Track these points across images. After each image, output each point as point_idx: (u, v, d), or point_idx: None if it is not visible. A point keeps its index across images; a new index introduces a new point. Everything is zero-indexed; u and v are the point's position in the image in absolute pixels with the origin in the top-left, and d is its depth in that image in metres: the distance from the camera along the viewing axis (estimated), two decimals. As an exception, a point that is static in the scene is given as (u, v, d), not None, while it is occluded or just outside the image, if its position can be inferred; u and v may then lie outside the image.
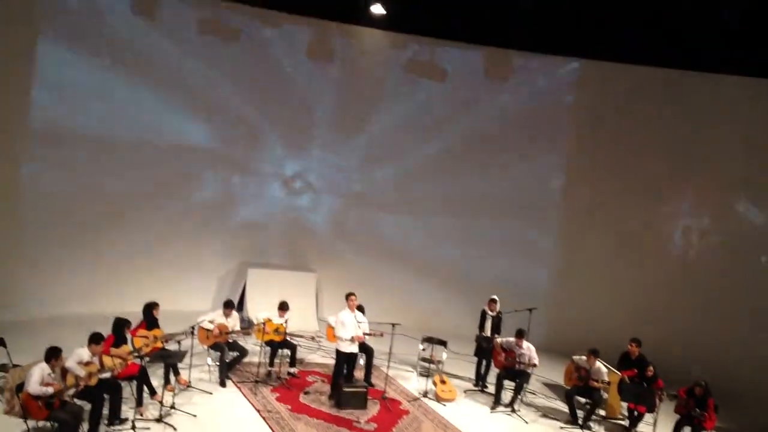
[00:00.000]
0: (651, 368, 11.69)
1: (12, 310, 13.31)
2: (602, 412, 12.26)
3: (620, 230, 16.27)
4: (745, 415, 13.38)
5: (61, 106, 13.91)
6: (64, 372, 8.88)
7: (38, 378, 8.46)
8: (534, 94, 16.53)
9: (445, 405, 11.98)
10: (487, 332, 13.08)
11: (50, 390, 8.48)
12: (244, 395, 11.23)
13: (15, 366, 9.71)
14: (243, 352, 11.97)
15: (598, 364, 11.87)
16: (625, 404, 12.18)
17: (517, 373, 12.14)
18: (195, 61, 15.20)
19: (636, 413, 11.62)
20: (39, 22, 13.55)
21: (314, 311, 15.81)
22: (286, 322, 12.21)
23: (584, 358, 12.00)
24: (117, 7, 14.31)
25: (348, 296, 11.62)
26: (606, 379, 11.79)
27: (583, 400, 12.06)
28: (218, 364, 11.69)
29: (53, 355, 8.72)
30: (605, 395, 12.23)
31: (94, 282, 14.47)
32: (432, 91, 16.50)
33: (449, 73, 16.37)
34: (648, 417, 11.54)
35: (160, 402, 10.01)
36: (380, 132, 16.76)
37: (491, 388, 12.58)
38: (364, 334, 11.65)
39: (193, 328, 11.02)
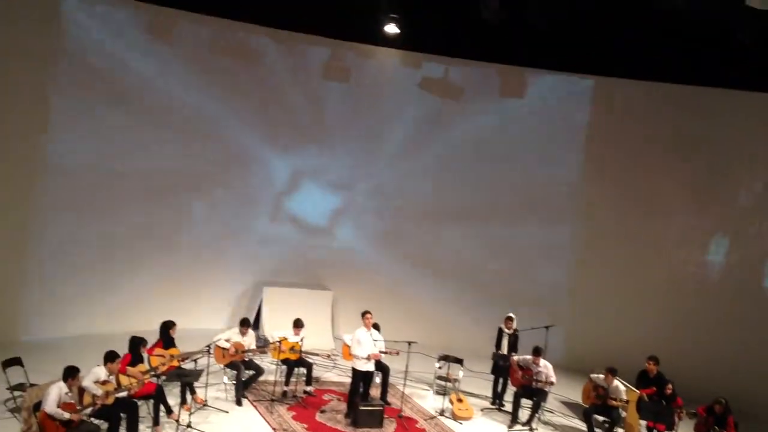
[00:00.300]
0: (670, 386, 11.58)
1: (29, 329, 13.47)
2: (621, 431, 12.13)
3: (637, 248, 16.13)
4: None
5: (77, 138, 14.00)
6: (81, 391, 8.92)
7: (56, 397, 8.50)
8: (548, 112, 16.45)
9: (461, 423, 11.93)
10: (504, 350, 13.02)
11: (66, 416, 8.51)
12: (261, 414, 11.22)
13: (32, 385, 9.75)
14: (259, 370, 11.97)
15: (617, 382, 11.78)
16: (643, 423, 12.05)
17: (534, 392, 12.06)
18: (209, 83, 15.27)
19: (655, 431, 11.50)
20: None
21: (330, 329, 15.79)
22: (301, 340, 12.20)
23: (602, 376, 11.91)
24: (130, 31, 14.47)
25: (364, 314, 11.60)
26: (624, 397, 11.70)
27: (601, 418, 11.96)
28: (234, 382, 11.70)
29: (70, 374, 8.77)
30: (624, 414, 12.11)
31: (111, 302, 14.51)
32: (447, 110, 16.49)
33: (464, 91, 16.36)
34: (667, 435, 11.43)
35: (177, 421, 10.04)
36: (395, 150, 16.78)
37: (508, 407, 12.51)
38: (380, 352, 11.62)
39: (209, 346, 11.04)
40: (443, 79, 16.40)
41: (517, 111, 16.47)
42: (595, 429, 11.73)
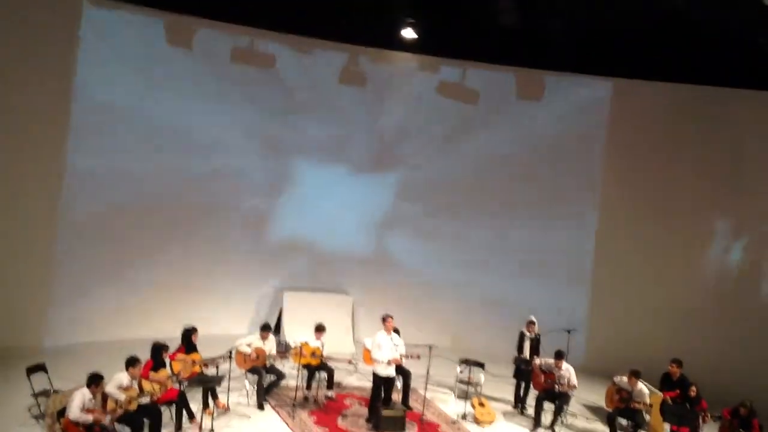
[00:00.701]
0: (694, 388, 11.48)
1: (52, 336, 13.54)
2: (645, 434, 12.07)
3: (659, 251, 16.02)
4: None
5: (100, 149, 14.12)
6: (105, 397, 8.97)
7: (79, 403, 8.55)
8: (567, 114, 16.37)
9: (484, 427, 11.88)
10: (526, 354, 12.96)
11: (90, 418, 8.55)
12: (282, 419, 11.24)
13: (56, 392, 9.82)
14: (280, 375, 11.99)
15: (640, 385, 11.69)
16: (667, 426, 11.91)
17: (556, 395, 12.00)
18: (231, 88, 15.35)
19: (679, 435, 11.41)
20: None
21: (350, 334, 15.80)
22: (322, 345, 12.20)
23: (625, 379, 11.83)
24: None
25: (384, 318, 11.59)
26: (648, 400, 11.61)
27: (624, 422, 11.87)
28: (256, 387, 11.72)
29: (94, 381, 8.83)
30: (647, 417, 12.02)
31: (133, 308, 14.60)
32: (464, 113, 16.46)
33: (481, 94, 16.34)
34: (692, 438, 11.33)
35: (199, 426, 10.05)
36: (413, 155, 16.78)
37: (530, 410, 12.45)
38: (401, 356, 11.59)
39: (230, 352, 11.06)
40: (460, 83, 16.36)
41: (534, 114, 16.41)
42: (619, 433, 11.67)
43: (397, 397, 12.31)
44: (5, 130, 12.83)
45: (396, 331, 11.89)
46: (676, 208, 15.94)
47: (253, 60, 15.31)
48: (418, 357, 11.77)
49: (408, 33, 15.21)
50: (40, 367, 10.21)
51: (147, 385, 9.63)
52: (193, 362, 10.84)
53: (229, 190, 15.80)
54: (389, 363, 11.36)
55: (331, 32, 15.51)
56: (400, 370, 12.05)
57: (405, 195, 16.89)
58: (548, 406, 12.15)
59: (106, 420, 8.81)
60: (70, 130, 13.68)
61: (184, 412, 10.32)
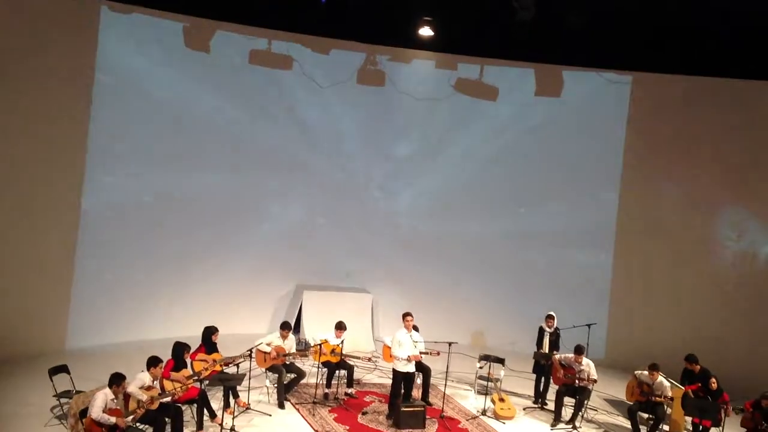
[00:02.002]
0: (714, 381, 11.39)
1: (74, 338, 13.71)
2: (666, 428, 11.99)
3: (680, 245, 15.96)
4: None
5: (121, 153, 14.30)
6: (127, 397, 9.07)
7: (101, 403, 8.65)
8: (586, 109, 16.36)
9: (504, 423, 11.88)
10: (545, 349, 12.96)
11: (112, 420, 8.65)
12: (303, 416, 11.30)
13: (78, 392, 9.93)
14: (300, 373, 12.06)
15: (661, 378, 11.66)
16: (689, 419, 11.89)
17: (577, 390, 11.98)
18: (246, 91, 15.49)
19: (701, 428, 11.35)
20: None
21: (370, 332, 15.85)
22: (342, 343, 12.26)
23: (646, 373, 11.79)
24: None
25: (405, 316, 11.62)
26: (669, 393, 11.57)
27: (646, 415, 11.83)
28: (276, 386, 11.80)
29: (116, 381, 8.92)
30: (669, 410, 11.98)
31: (154, 309, 14.76)
32: (483, 111, 16.46)
33: (499, 91, 16.32)
34: (713, 431, 11.26)
35: (221, 424, 10.11)
36: (431, 152, 16.82)
37: (551, 405, 12.42)
38: (421, 353, 11.63)
39: (251, 351, 11.15)
40: (478, 80, 16.36)
41: (553, 110, 16.37)
42: (640, 426, 11.61)
43: (417, 393, 12.34)
44: (22, 134, 12.93)
45: (416, 328, 11.92)
46: (698, 200, 15.87)
47: (271, 61, 15.43)
48: (438, 354, 11.82)
49: (425, 31, 15.23)
50: (63, 369, 10.32)
51: (168, 385, 9.73)
52: (214, 361, 10.93)
53: (249, 189, 15.92)
54: (409, 359, 11.40)
55: (347, 32, 15.58)
56: (420, 366, 12.10)
57: (423, 192, 16.93)
58: (568, 401, 12.13)
59: (129, 419, 8.92)
60: (89, 134, 13.83)
61: (206, 411, 10.41)
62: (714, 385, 11.36)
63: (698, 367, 11.88)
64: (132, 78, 14.32)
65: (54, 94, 13.20)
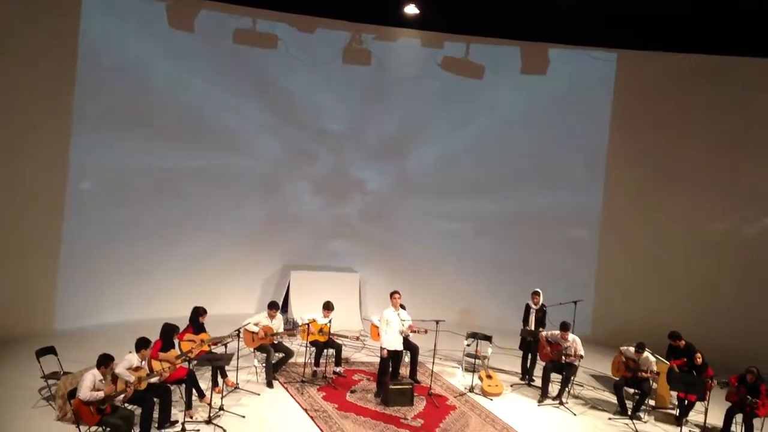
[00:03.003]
0: (699, 356, 11.51)
1: (61, 319, 13.68)
2: (652, 402, 12.12)
3: (665, 222, 16.06)
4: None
5: (104, 131, 14.16)
6: (115, 378, 9.06)
7: (90, 384, 8.64)
8: (572, 88, 16.37)
9: (491, 399, 11.96)
10: (532, 326, 13.04)
11: (101, 394, 8.63)
12: (291, 395, 11.34)
13: (66, 373, 9.93)
14: (288, 353, 12.09)
15: (647, 353, 11.76)
16: (674, 393, 12.01)
17: (563, 366, 12.07)
18: (231, 70, 15.40)
19: (686, 402, 11.45)
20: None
21: (358, 311, 15.89)
22: (330, 322, 12.29)
23: (632, 348, 11.89)
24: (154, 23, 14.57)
25: (392, 294, 11.68)
26: (655, 368, 11.68)
27: (631, 390, 11.93)
28: (264, 365, 11.84)
29: (104, 362, 8.90)
30: (654, 385, 12.09)
31: (141, 290, 14.73)
32: (468, 88, 16.44)
33: (485, 69, 16.29)
34: (699, 405, 11.39)
35: (209, 404, 10.14)
36: (417, 130, 16.80)
37: (538, 382, 12.54)
38: (409, 328, 11.68)
39: (238, 330, 11.17)
40: (464, 58, 16.33)
41: (539, 87, 16.38)
42: (626, 401, 11.73)
43: (405, 371, 12.41)
44: (9, 111, 12.84)
45: (403, 307, 11.96)
46: (683, 178, 15.95)
47: (256, 40, 15.34)
48: (425, 332, 11.87)
49: (411, 9, 15.17)
50: (50, 350, 10.28)
51: (156, 365, 9.72)
52: (202, 341, 10.93)
53: (236, 168, 15.88)
54: (400, 334, 11.45)
55: (333, 10, 15.49)
56: (408, 344, 12.15)
57: (408, 171, 16.95)
58: (555, 377, 12.23)
59: (120, 397, 8.92)
60: (73, 115, 13.73)
61: (194, 390, 10.42)
62: (699, 360, 11.48)
63: (683, 342, 11.99)
64: (117, 59, 14.22)
65: (37, 75, 13.08)
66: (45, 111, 13.29)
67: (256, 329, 11.73)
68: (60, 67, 13.47)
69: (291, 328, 12.71)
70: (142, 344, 9.47)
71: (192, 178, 15.38)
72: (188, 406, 10.16)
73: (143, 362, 9.48)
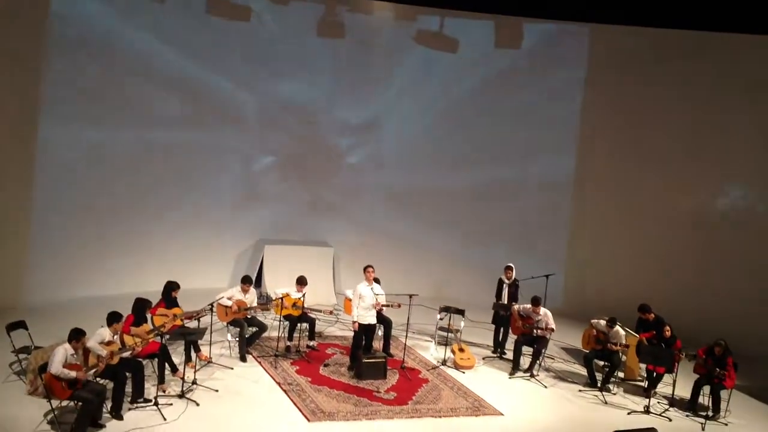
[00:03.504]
0: (668, 329, 11.67)
1: (32, 293, 13.52)
2: (621, 374, 12.29)
3: (636, 196, 16.23)
4: (765, 372, 13.40)
5: (74, 100, 13.97)
6: (87, 352, 9.02)
7: (61, 359, 8.58)
8: (545, 61, 16.40)
9: (464, 372, 12.08)
10: (504, 300, 13.13)
11: (72, 374, 8.59)
12: (265, 369, 11.37)
13: (37, 348, 9.87)
14: (262, 327, 12.09)
15: (617, 327, 11.90)
16: (643, 366, 12.19)
17: (534, 339, 12.20)
18: (204, 42, 15.21)
19: (655, 374, 11.62)
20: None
21: (332, 285, 15.89)
22: (303, 296, 12.29)
23: (603, 322, 12.04)
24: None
25: (366, 269, 11.70)
26: (624, 341, 11.83)
27: (601, 363, 12.09)
28: (238, 339, 11.83)
29: (75, 336, 8.83)
30: (624, 358, 12.26)
31: (113, 264, 14.59)
32: (443, 62, 16.39)
33: (459, 43, 16.24)
34: (667, 377, 11.58)
35: (182, 378, 10.14)
36: (392, 104, 16.75)
37: (509, 355, 12.66)
38: (381, 303, 11.73)
39: (211, 305, 11.15)
40: (438, 32, 16.27)
41: (513, 61, 16.39)
42: (596, 374, 11.90)
43: (378, 345, 12.48)
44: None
45: (377, 281, 12.00)
46: (654, 153, 16.10)
47: (230, 12, 15.14)
48: (399, 306, 11.92)
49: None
50: (20, 324, 10.18)
51: (129, 340, 9.67)
52: (174, 316, 10.90)
53: (209, 143, 15.71)
54: (372, 307, 11.52)
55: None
56: (381, 318, 12.21)
57: (382, 144, 16.93)
58: (527, 350, 12.36)
59: (90, 372, 8.89)
60: (42, 78, 13.54)
61: (167, 365, 10.41)
62: (668, 333, 11.64)
63: (652, 315, 12.15)
64: (87, 30, 14.00)
65: (6, 44, 12.85)
66: (13, 83, 13.08)
67: (229, 303, 11.71)
68: (29, 39, 13.24)
69: (264, 302, 12.71)
70: (113, 318, 9.43)
71: (164, 153, 15.20)
72: (161, 380, 10.16)
73: (115, 336, 9.44)
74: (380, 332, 12.53)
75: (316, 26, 15.82)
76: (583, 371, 12.18)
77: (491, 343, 13.37)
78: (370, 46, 16.35)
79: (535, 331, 12.16)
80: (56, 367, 8.51)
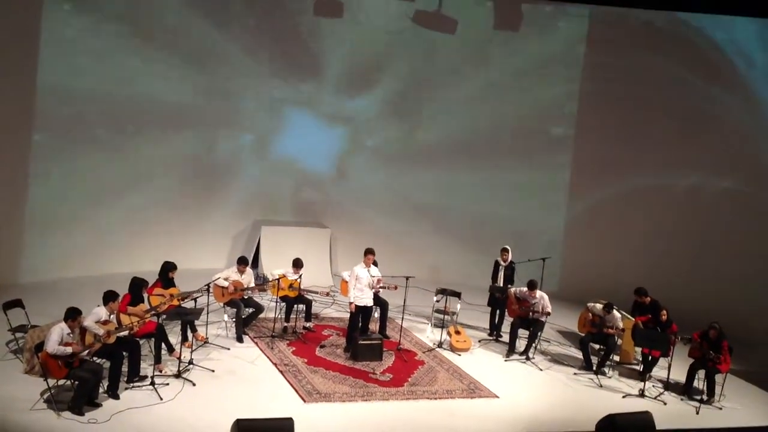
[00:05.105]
0: (664, 312, 11.67)
1: (28, 272, 13.54)
2: (616, 358, 12.31)
3: (632, 182, 16.19)
4: (760, 356, 13.43)
5: (68, 76, 13.90)
6: (83, 331, 9.02)
7: (57, 338, 8.58)
8: (544, 43, 16.31)
9: (459, 355, 12.11)
10: (500, 282, 13.14)
11: (69, 350, 8.58)
12: (261, 350, 11.39)
13: (33, 327, 9.86)
14: (258, 308, 12.09)
15: (614, 311, 11.92)
16: (639, 349, 12.22)
17: (530, 322, 12.22)
18: (203, 20, 15.10)
19: (650, 358, 11.66)
20: None
21: (328, 267, 15.88)
22: (300, 277, 12.29)
23: (599, 305, 12.06)
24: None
25: (366, 252, 11.66)
26: (620, 325, 11.86)
27: (597, 346, 12.14)
28: (234, 320, 11.84)
29: (72, 315, 8.83)
30: (619, 341, 12.29)
31: (110, 243, 14.61)
32: (442, 43, 16.29)
33: (458, 23, 16.14)
34: (662, 361, 11.60)
35: (179, 358, 10.16)
36: (390, 85, 16.63)
37: (505, 338, 12.69)
38: (378, 283, 11.73)
39: (208, 285, 11.15)
40: (437, 12, 16.14)
41: (512, 43, 16.29)
42: (591, 357, 11.93)
43: (374, 326, 12.50)
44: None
45: (375, 263, 11.97)
46: (653, 137, 16.00)
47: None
48: (395, 288, 11.95)
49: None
50: (17, 303, 10.17)
51: (125, 319, 9.68)
52: (171, 296, 10.89)
53: (202, 126, 15.65)
54: (370, 287, 11.52)
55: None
56: (378, 300, 12.21)
57: (381, 126, 16.85)
58: (522, 333, 12.38)
59: (85, 353, 8.89)
60: (40, 50, 13.47)
61: (163, 345, 10.42)
62: (664, 317, 11.64)
63: (648, 299, 12.17)
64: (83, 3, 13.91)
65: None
66: (10, 60, 13.00)
67: (225, 284, 11.70)
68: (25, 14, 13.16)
69: (261, 283, 12.71)
70: (109, 297, 9.40)
71: (163, 131, 15.15)
72: (157, 360, 10.16)
73: (111, 316, 9.43)
74: (377, 314, 12.54)
75: (313, 5, 15.66)
76: (579, 354, 12.22)
77: (487, 326, 13.38)
78: (369, 26, 16.19)
79: (531, 313, 12.17)
80: (53, 346, 8.52)
